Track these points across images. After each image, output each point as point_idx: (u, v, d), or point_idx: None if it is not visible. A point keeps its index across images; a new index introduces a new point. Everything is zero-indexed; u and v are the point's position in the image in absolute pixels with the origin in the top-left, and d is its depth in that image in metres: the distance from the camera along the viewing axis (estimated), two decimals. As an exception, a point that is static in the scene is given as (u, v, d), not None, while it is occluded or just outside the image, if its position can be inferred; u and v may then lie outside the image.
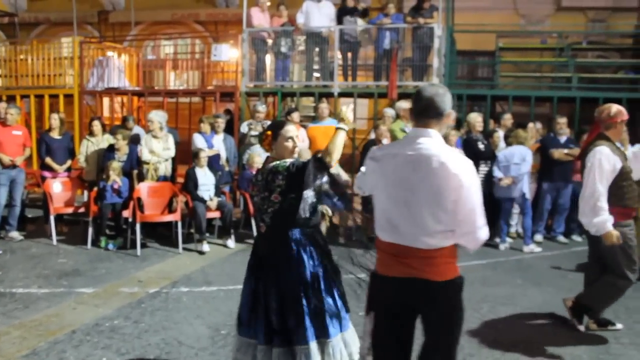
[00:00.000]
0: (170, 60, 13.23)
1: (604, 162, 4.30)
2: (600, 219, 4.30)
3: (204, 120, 8.67)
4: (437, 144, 2.61)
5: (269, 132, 3.43)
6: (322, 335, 3.24)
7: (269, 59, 11.16)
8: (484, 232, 2.61)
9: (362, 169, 3.05)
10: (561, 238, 8.32)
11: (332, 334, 3.27)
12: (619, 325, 4.82)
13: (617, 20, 13.15)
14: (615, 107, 4.48)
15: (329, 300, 3.30)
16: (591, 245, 4.75)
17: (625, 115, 4.48)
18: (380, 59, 10.35)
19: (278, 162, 3.32)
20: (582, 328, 4.79)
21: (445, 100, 2.67)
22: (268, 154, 3.48)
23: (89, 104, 12.57)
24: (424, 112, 2.67)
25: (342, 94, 10.62)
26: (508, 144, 7.75)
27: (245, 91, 10.91)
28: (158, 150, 8.11)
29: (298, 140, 3.42)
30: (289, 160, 3.32)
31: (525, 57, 12.39)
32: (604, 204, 4.29)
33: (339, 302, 3.35)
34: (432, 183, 2.55)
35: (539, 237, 8.22)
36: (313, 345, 3.20)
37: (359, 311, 3.28)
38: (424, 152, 2.59)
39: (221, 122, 8.74)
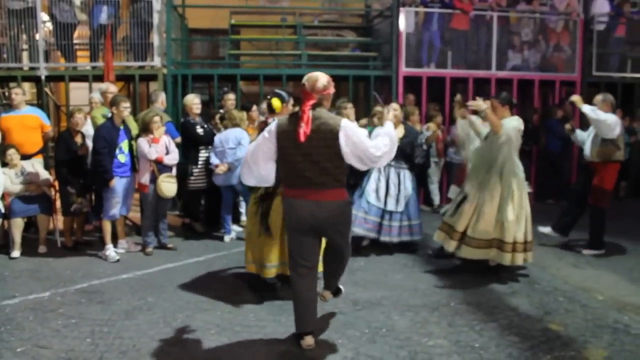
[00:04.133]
0: None
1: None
2: None
3: None
4: None
5: None
6: None
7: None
8: None
9: None
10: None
11: None
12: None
13: (351, 0, 13.52)
14: (325, 77, 3.91)
15: None
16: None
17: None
18: (97, 37, 9.16)
19: None
20: None
21: None
22: None
23: None
24: None
25: (51, 78, 9.22)
26: (224, 126, 7.18)
27: None
28: None
29: None
30: None
31: (261, 34, 12.07)
32: None
33: None
34: None
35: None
36: None
37: None
38: None
39: None
